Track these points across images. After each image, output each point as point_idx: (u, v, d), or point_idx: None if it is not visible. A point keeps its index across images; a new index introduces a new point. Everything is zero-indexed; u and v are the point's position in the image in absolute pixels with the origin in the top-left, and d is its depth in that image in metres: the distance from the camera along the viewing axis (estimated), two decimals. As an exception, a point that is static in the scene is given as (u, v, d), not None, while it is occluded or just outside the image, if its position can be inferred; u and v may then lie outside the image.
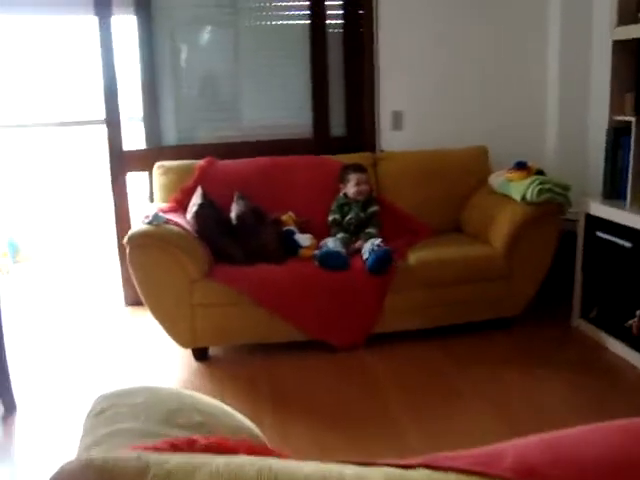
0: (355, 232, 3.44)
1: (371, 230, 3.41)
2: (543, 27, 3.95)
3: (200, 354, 3.21)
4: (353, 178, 3.47)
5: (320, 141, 3.97)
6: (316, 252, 3.20)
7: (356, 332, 3.20)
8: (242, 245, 3.20)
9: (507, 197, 3.39)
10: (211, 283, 3.06)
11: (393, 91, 3.91)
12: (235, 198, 3.36)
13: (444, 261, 3.23)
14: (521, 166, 3.39)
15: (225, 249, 3.17)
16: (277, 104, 4.00)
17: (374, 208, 3.49)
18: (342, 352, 3.18)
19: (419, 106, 3.94)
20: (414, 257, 3.26)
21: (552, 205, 3.26)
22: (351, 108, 4.00)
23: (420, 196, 3.70)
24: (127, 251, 3.01)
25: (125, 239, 2.99)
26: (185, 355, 3.23)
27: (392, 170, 3.74)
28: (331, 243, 3.29)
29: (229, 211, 3.31)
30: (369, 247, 3.21)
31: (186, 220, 3.23)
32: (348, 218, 3.46)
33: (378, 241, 3.22)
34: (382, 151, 3.91)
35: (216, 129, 3.97)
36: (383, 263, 3.12)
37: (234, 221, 3.21)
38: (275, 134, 3.95)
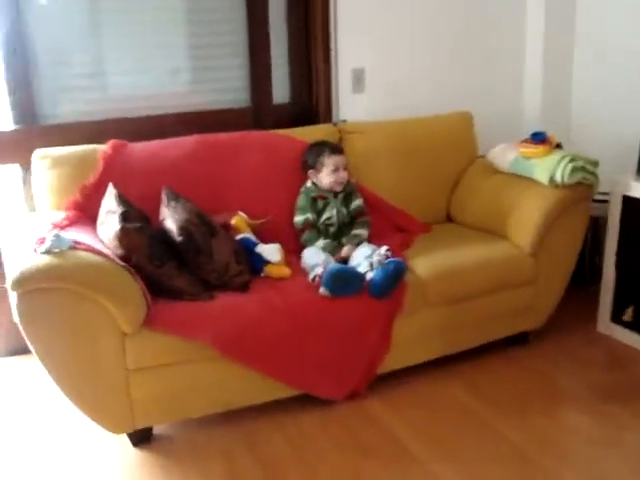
0: (336, 236, 2.53)
1: (360, 231, 2.53)
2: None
3: (140, 437, 2.16)
4: (330, 162, 2.51)
5: (261, 111, 2.94)
6: (318, 271, 2.24)
7: (357, 377, 2.32)
8: (192, 270, 2.18)
9: (524, 178, 2.65)
10: (152, 334, 2.02)
11: (353, 43, 2.96)
12: (164, 198, 2.30)
13: (465, 268, 2.43)
14: (540, 139, 2.65)
15: (169, 281, 2.11)
16: (203, 64, 2.90)
17: (358, 202, 2.59)
18: (339, 404, 2.31)
19: (384, 61, 3.04)
20: (422, 266, 2.42)
21: (584, 187, 2.58)
22: (298, 66, 3.00)
23: (399, 180, 2.86)
24: (15, 301, 1.88)
25: (11, 282, 1.84)
26: (117, 435, 2.18)
27: (362, 147, 2.82)
28: (317, 255, 2.35)
29: (156, 219, 2.27)
30: (372, 257, 2.30)
31: (99, 239, 2.13)
32: (326, 217, 2.53)
33: (384, 249, 2.32)
34: (344, 121, 2.97)
35: (116, 100, 2.77)
36: (395, 281, 2.25)
37: (178, 236, 2.15)
38: (201, 103, 2.86)
